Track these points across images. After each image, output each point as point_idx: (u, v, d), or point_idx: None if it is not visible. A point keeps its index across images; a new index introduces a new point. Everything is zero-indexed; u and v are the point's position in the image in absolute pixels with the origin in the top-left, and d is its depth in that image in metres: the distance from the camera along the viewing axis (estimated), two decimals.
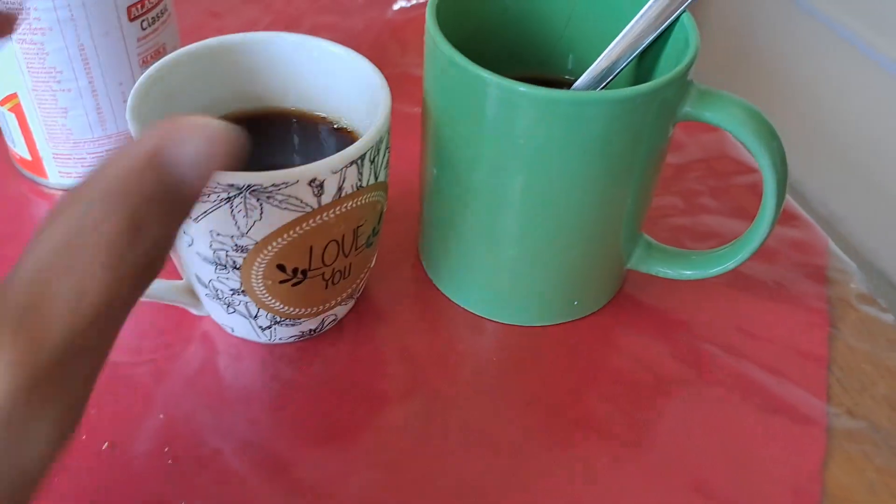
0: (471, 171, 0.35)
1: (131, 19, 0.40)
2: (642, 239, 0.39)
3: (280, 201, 0.30)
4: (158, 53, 0.42)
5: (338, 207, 0.32)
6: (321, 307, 0.36)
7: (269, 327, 0.36)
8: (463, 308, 0.40)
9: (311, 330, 0.37)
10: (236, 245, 0.31)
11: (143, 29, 0.41)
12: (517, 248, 0.37)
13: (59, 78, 0.40)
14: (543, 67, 0.40)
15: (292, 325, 0.36)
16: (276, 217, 0.31)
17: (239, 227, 0.31)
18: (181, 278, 0.36)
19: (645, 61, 0.38)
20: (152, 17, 0.41)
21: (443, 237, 0.39)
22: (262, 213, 0.30)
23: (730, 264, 0.37)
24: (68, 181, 0.44)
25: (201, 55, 0.36)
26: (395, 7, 0.62)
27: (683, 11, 0.35)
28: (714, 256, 0.38)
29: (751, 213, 0.45)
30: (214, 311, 0.36)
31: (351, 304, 0.38)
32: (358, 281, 0.37)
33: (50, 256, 0.19)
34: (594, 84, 0.37)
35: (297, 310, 0.35)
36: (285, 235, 0.31)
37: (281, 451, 0.34)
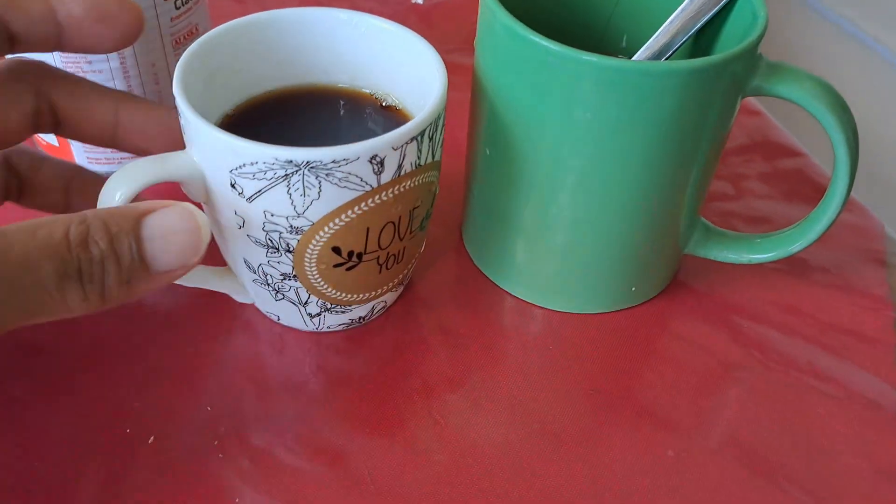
0: (530, 149, 0.33)
1: None
2: (700, 223, 0.38)
3: (339, 179, 0.29)
4: (191, 34, 0.41)
5: (396, 187, 0.30)
6: (373, 293, 0.34)
7: (319, 314, 0.34)
8: (512, 295, 0.39)
9: (360, 317, 0.36)
10: (291, 226, 0.30)
11: (177, 8, 0.39)
12: (575, 232, 0.35)
13: (91, 58, 0.38)
14: (595, 48, 0.39)
15: (342, 312, 0.34)
16: (334, 196, 0.29)
17: (295, 207, 0.29)
18: (225, 264, 0.35)
19: (703, 37, 0.36)
20: None
21: (493, 222, 0.37)
22: (320, 192, 0.29)
23: (796, 246, 0.36)
24: (97, 167, 0.42)
25: (247, 30, 0.34)
26: None
27: None
28: (780, 238, 0.37)
29: (800, 196, 0.44)
30: (260, 298, 0.34)
31: (400, 290, 0.37)
32: (409, 266, 0.35)
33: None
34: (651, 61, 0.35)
35: (349, 296, 0.33)
36: (343, 216, 0.30)
37: (337, 443, 0.32)
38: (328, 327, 0.35)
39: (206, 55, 0.33)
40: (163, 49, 0.40)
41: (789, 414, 0.35)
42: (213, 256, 0.35)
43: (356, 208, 0.30)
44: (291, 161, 0.28)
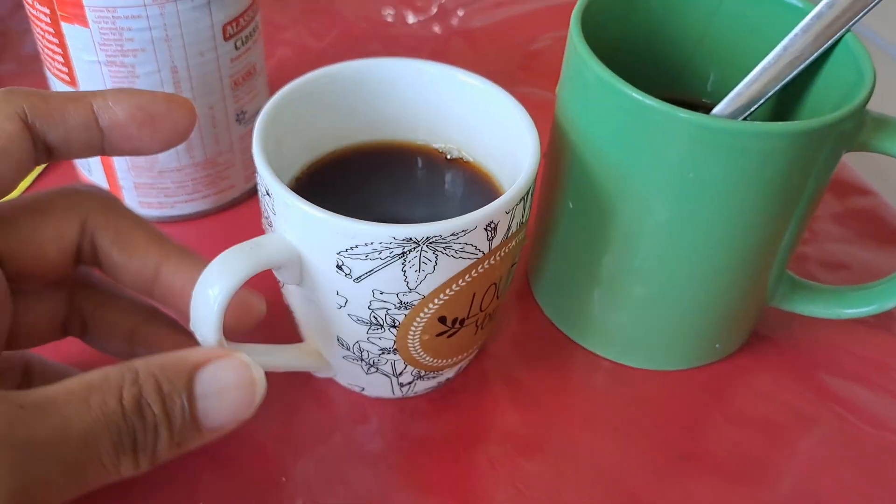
0: (618, 204, 0.32)
1: (226, 38, 0.37)
2: (786, 276, 0.36)
3: (456, 250, 0.27)
4: (249, 75, 0.39)
5: (503, 249, 0.29)
6: (465, 354, 0.33)
7: (411, 383, 0.33)
8: (587, 350, 0.37)
9: (447, 379, 0.34)
10: (401, 302, 0.28)
11: (237, 48, 0.38)
12: (661, 287, 0.33)
13: None
14: (677, 88, 0.37)
15: (433, 377, 0.33)
16: (448, 267, 0.28)
17: (408, 283, 0.27)
18: (295, 339, 0.33)
19: (792, 84, 0.34)
20: (245, 36, 0.38)
21: (572, 275, 0.36)
22: (435, 266, 0.27)
23: (892, 302, 0.34)
24: (148, 212, 0.41)
25: (326, 81, 0.32)
26: (460, 15, 0.58)
27: (848, 31, 0.32)
28: (875, 292, 0.35)
29: (875, 238, 0.43)
30: (346, 372, 0.33)
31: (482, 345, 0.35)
32: (495, 322, 0.34)
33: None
34: (739, 112, 0.33)
35: (444, 361, 0.32)
36: (454, 286, 0.28)
37: None
38: (415, 392, 0.34)
39: (288, 107, 0.31)
40: (222, 91, 0.38)
41: (884, 478, 0.33)
42: (275, 331, 0.33)
43: (467, 276, 0.28)
44: (411, 238, 0.26)
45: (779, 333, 0.38)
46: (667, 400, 0.36)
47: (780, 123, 0.28)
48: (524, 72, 0.52)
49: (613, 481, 0.33)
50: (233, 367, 0.25)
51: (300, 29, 0.56)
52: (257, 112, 0.40)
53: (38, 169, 0.43)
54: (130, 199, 0.40)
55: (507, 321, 0.38)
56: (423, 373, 0.32)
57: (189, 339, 0.29)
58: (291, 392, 0.34)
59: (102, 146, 0.28)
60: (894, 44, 0.59)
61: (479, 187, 0.33)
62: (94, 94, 0.28)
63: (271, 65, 0.52)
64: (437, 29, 0.57)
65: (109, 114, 0.28)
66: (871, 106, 0.30)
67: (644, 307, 0.35)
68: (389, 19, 0.57)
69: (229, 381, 0.25)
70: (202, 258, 0.29)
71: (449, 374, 0.34)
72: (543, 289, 0.39)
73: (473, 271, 0.28)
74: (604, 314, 0.36)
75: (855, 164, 0.48)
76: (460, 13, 0.58)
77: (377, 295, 0.28)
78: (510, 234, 0.29)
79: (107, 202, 0.30)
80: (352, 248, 0.26)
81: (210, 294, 0.26)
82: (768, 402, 0.36)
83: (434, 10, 0.58)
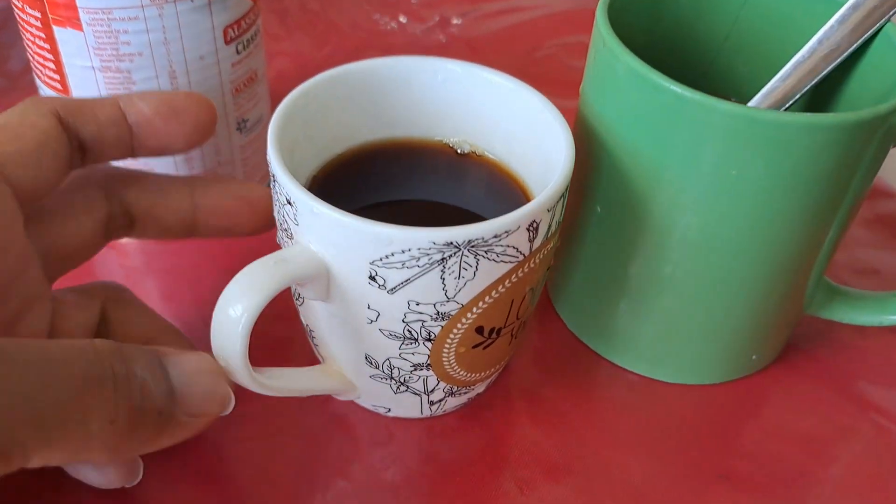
0: (653, 207, 0.30)
1: (227, 42, 0.35)
2: (823, 281, 0.34)
3: (498, 254, 0.25)
4: (251, 81, 0.37)
5: (542, 251, 0.27)
6: (498, 367, 0.31)
7: (441, 400, 0.30)
8: (615, 365, 0.35)
9: (477, 395, 0.32)
10: (438, 313, 0.26)
11: (238, 52, 0.36)
12: (694, 297, 0.31)
13: None
14: (699, 86, 0.35)
15: (465, 393, 0.31)
16: (489, 272, 0.25)
17: (447, 292, 0.25)
18: (313, 361, 0.31)
19: (829, 77, 0.33)
20: (247, 40, 0.36)
21: (600, 285, 0.34)
22: (476, 272, 0.25)
23: None
24: None
25: (343, 80, 0.30)
26: (461, 23, 0.57)
27: (888, 21, 0.30)
28: None
29: None
30: (373, 393, 0.30)
31: None
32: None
33: None
34: (773, 109, 0.32)
35: (477, 375, 0.30)
36: (493, 293, 0.26)
37: None
38: (445, 411, 0.32)
39: (303, 108, 0.29)
40: (223, 98, 0.36)
41: None
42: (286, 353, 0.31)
43: (507, 282, 0.26)
44: (452, 242, 0.24)
45: (814, 342, 0.36)
46: (701, 416, 0.33)
47: (828, 115, 0.26)
48: (527, 79, 0.50)
49: (649, 499, 0.30)
50: (198, 357, 0.25)
51: (298, 39, 0.54)
52: (259, 121, 0.38)
53: None
54: None
55: (528, 335, 0.36)
56: (454, 388, 0.30)
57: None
58: (309, 418, 0.32)
59: (132, 145, 0.29)
60: None
61: (502, 186, 0.31)
62: (119, 95, 0.29)
63: (270, 76, 0.50)
64: (438, 37, 0.55)
65: (136, 109, 0.29)
66: None
67: (675, 318, 0.33)
68: (389, 28, 0.55)
69: (200, 367, 0.25)
70: (228, 177, 0.32)
71: (480, 388, 0.31)
72: (566, 301, 0.37)
73: (513, 276, 0.26)
74: (631, 326, 0.34)
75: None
76: (461, 21, 0.57)
77: (413, 306, 0.25)
78: (549, 235, 0.27)
79: (120, 170, 0.31)
80: (387, 257, 0.24)
81: (232, 314, 0.24)
82: (808, 416, 0.34)
83: (436, 18, 0.56)
